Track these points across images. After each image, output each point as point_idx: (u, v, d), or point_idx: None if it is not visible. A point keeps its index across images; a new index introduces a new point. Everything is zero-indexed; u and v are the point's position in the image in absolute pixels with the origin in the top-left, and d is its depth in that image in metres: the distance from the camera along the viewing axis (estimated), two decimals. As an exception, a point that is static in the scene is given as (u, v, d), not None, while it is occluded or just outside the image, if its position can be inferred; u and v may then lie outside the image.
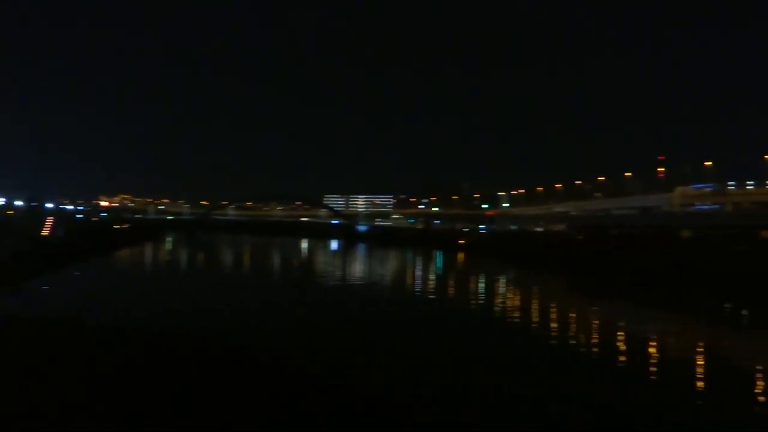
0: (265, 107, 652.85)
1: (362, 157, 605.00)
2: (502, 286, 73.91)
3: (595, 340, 39.42)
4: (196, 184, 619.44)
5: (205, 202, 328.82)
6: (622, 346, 37.69)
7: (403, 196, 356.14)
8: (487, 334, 40.57)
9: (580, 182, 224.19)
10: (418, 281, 77.71)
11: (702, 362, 33.80)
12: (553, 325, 44.26)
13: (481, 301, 59.20)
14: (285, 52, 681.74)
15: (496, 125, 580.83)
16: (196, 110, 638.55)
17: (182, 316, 42.17)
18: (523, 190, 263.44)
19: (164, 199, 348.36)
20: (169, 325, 36.26)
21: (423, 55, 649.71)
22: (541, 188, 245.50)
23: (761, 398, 26.67)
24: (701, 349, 37.49)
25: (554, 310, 52.40)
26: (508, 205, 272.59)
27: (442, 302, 57.20)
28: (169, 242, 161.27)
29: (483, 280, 79.91)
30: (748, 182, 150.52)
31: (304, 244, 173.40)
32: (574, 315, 49.70)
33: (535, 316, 48.96)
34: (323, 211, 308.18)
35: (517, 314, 50.08)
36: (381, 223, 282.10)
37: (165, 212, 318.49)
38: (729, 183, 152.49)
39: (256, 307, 48.80)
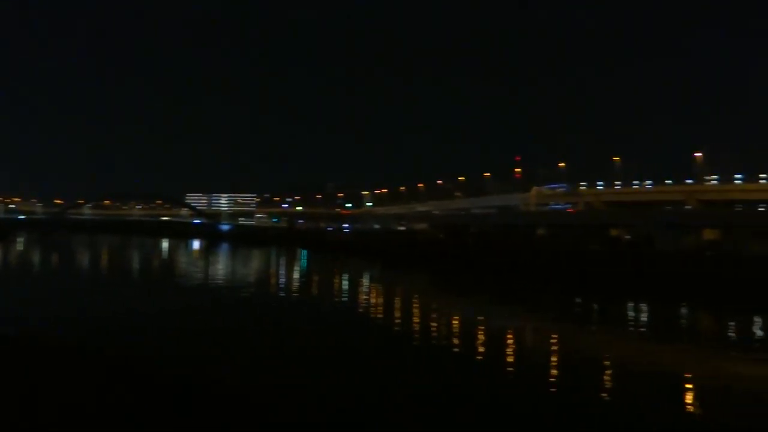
0: (122, 99, 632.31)
1: (225, 156, 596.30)
2: (364, 284, 74.37)
3: (454, 336, 40.17)
4: (50, 182, 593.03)
5: (59, 201, 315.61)
6: (479, 341, 38.56)
7: (267, 195, 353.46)
8: (345, 330, 40.66)
9: (441, 182, 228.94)
10: (282, 280, 77.19)
11: (554, 356, 34.96)
12: (413, 320, 44.88)
13: (344, 299, 59.44)
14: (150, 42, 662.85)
15: (361, 125, 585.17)
16: (50, 102, 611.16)
17: (28, 321, 40.16)
18: (386, 190, 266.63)
19: (15, 197, 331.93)
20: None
21: (316, 55, 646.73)
22: (404, 188, 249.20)
23: (608, 386, 27.86)
24: (554, 342, 38.76)
25: (415, 306, 53.20)
26: (371, 204, 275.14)
27: (302, 302, 56.91)
28: (20, 243, 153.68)
29: (346, 279, 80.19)
30: (598, 182, 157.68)
31: (165, 245, 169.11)
32: (432, 311, 50.54)
33: (394, 313, 49.51)
34: (185, 211, 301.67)
35: (375, 311, 50.56)
36: (244, 223, 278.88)
37: (16, 211, 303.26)
38: (581, 183, 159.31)
39: (98, 311, 46.81)
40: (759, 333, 47.85)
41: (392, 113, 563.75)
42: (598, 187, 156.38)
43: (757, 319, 52.91)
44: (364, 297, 60.68)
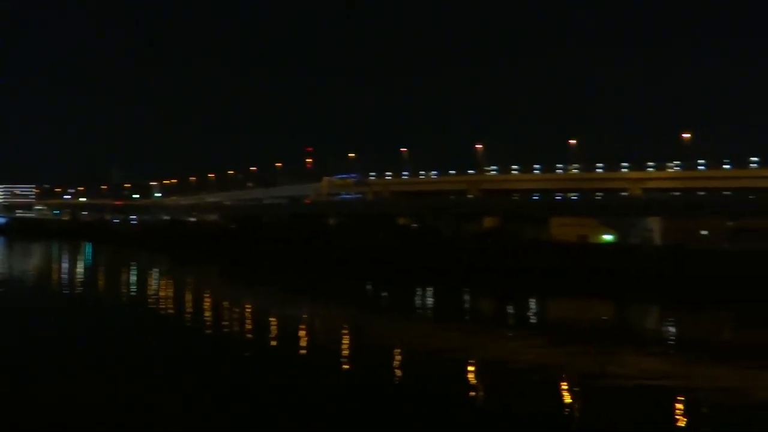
0: None
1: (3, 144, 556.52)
2: (153, 278, 72.40)
3: (246, 326, 40.13)
4: None
5: None
6: (270, 331, 38.75)
7: (48, 185, 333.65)
8: (129, 327, 39.57)
9: (233, 172, 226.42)
10: (64, 276, 73.46)
11: (344, 342, 35.81)
12: (203, 313, 44.33)
13: (132, 294, 57.67)
14: None
15: (150, 114, 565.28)
16: None
17: None
18: (175, 180, 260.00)
19: None
20: None
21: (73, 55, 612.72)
22: (194, 178, 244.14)
23: (398, 368, 29.00)
24: (345, 329, 39.61)
25: (205, 299, 52.56)
26: (160, 195, 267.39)
27: (84, 298, 54.41)
28: None
29: (134, 273, 77.73)
30: (387, 173, 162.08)
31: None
32: (223, 303, 50.14)
33: (183, 307, 48.58)
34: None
35: (165, 305, 49.35)
36: (23, 215, 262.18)
37: None
38: (371, 173, 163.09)
39: None
40: (534, 314, 51.57)
41: (180, 103, 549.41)
42: (387, 178, 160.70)
43: (532, 301, 56.95)
44: (153, 291, 59.03)
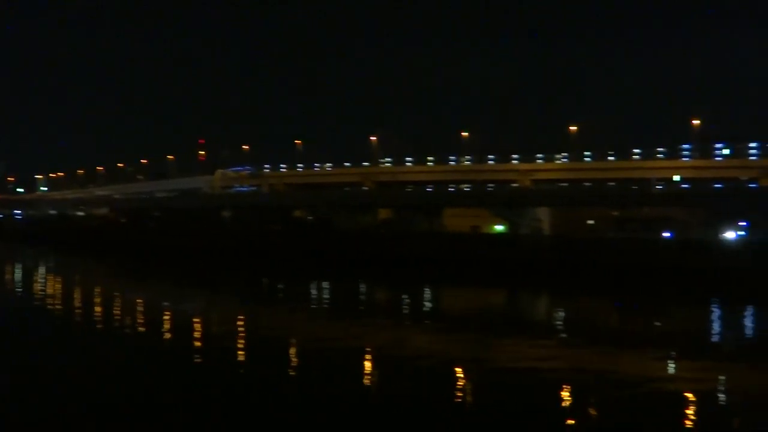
0: None
1: None
2: (39, 274, 70.09)
3: (138, 321, 39.44)
4: None
5: None
6: (163, 326, 38.23)
7: None
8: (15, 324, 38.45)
9: (123, 165, 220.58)
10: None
11: (239, 336, 35.70)
12: (92, 309, 43.41)
13: (18, 291, 55.82)
14: None
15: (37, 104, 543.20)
16: None
17: None
18: (63, 173, 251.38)
19: None
20: None
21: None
22: (82, 171, 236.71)
23: (293, 362, 29.15)
24: (240, 322, 39.44)
25: (94, 295, 51.41)
26: (46, 189, 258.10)
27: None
28: None
29: (19, 270, 75.11)
30: (281, 165, 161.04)
31: None
32: (112, 299, 49.16)
33: (71, 303, 47.46)
34: None
35: (52, 302, 47.93)
36: None
37: None
38: (265, 166, 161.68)
39: None
40: (427, 304, 52.50)
41: (63, 91, 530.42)
42: (281, 170, 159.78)
43: (426, 291, 57.94)
44: (40, 288, 57.16)
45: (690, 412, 21.78)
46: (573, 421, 20.43)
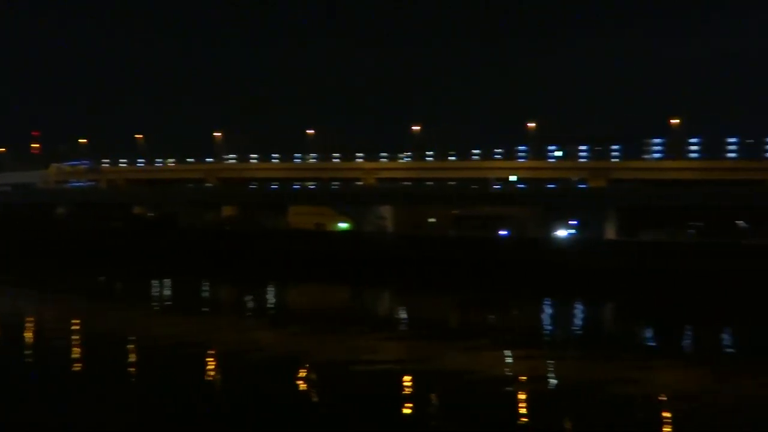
0: None
1: None
2: None
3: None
4: None
5: None
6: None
7: None
8: None
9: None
10: None
11: (75, 335, 34.55)
12: None
13: None
14: None
15: None
16: None
17: None
18: None
19: None
20: None
21: None
22: None
23: (133, 361, 28.51)
24: (75, 322, 38.06)
25: None
26: None
27: None
28: None
29: None
30: (121, 160, 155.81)
31: None
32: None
33: None
34: None
35: None
36: None
37: None
38: (103, 161, 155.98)
39: None
40: (270, 301, 52.51)
41: None
42: (121, 165, 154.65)
43: (271, 289, 57.89)
44: None
45: (522, 397, 22.88)
46: (409, 411, 21.07)
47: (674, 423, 20.37)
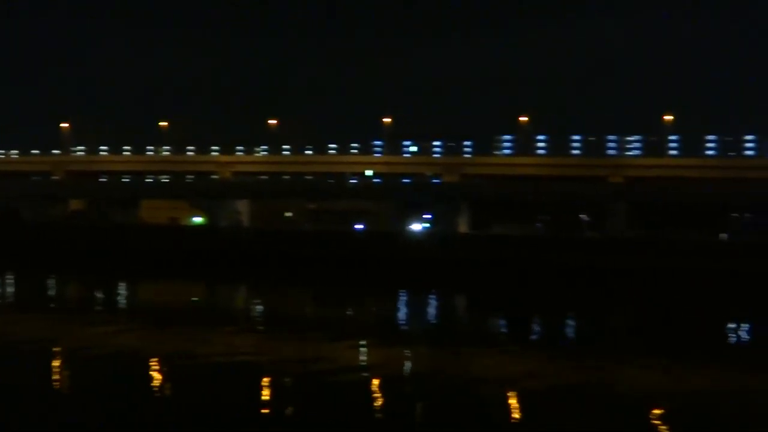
0: None
1: None
2: None
3: None
4: None
5: None
6: None
7: None
8: None
9: None
10: None
11: None
12: None
13: None
14: None
15: None
16: None
17: None
18: None
19: None
20: None
21: None
22: None
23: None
24: None
25: None
26: None
27: None
28: None
29: None
30: None
31: None
32: None
33: None
34: None
35: None
36: None
37: None
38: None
39: None
40: (122, 298, 51.02)
41: None
42: None
43: (121, 285, 56.26)
44: None
45: (377, 395, 23.28)
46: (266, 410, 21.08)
47: (493, 405, 21.22)
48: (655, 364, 28.71)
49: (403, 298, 53.50)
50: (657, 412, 20.47)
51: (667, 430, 18.90)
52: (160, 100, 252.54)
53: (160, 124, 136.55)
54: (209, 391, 22.60)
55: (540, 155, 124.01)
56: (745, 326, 43.07)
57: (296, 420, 19.66)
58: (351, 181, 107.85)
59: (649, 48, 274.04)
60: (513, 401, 21.96)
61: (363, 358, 29.88)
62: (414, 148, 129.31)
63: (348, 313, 44.36)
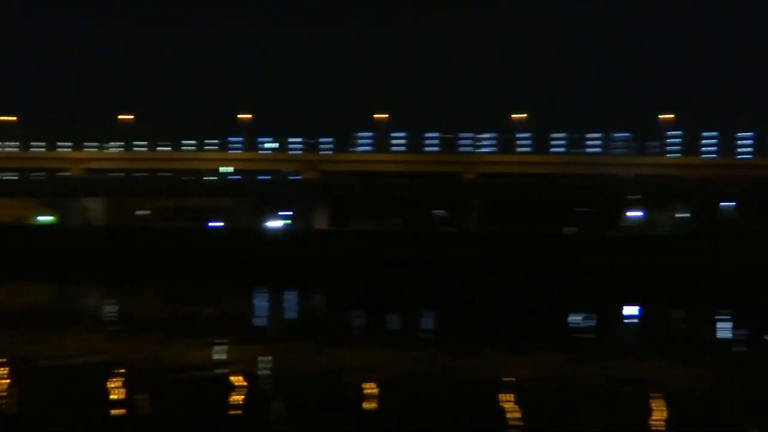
0: None
1: None
2: None
3: None
4: None
5: None
6: None
7: None
8: None
9: None
10: None
11: None
12: None
13: None
14: None
15: None
16: None
17: None
18: None
19: None
20: None
21: None
22: None
23: None
24: None
25: None
26: None
27: None
28: None
29: None
30: None
31: None
32: None
33: None
34: None
35: None
36: None
37: None
38: None
39: None
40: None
41: None
42: None
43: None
44: None
45: (239, 396, 23.26)
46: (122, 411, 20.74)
47: (347, 396, 21.79)
48: (497, 354, 30.08)
49: (261, 295, 53.36)
50: (496, 395, 21.56)
51: (500, 411, 19.97)
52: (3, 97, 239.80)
53: (4, 118, 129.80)
54: (44, 394, 21.96)
55: (397, 152, 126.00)
56: (585, 316, 45.34)
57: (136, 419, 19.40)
58: (208, 178, 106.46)
59: (497, 46, 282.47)
60: (369, 391, 22.50)
61: (217, 356, 29.72)
62: (273, 145, 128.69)
63: (203, 311, 43.85)
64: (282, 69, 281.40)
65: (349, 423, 19.06)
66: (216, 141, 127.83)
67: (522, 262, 64.78)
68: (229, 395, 21.93)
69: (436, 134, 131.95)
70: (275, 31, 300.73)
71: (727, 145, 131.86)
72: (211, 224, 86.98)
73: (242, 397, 22.07)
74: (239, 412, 20.52)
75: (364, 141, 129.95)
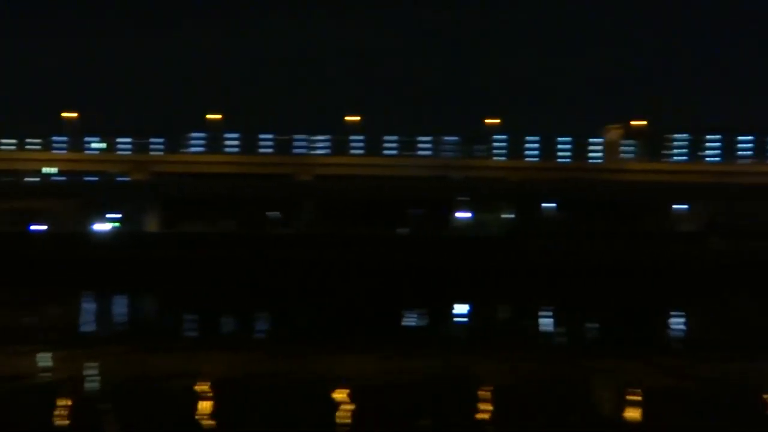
0: None
1: None
2: None
3: None
4: None
5: None
6: None
7: None
8: None
9: None
10: None
11: None
12: None
13: None
14: None
15: None
16: None
17: None
18: None
19: None
20: None
21: None
22: None
23: None
24: None
25: None
26: None
27: None
28: None
29: None
30: None
31: None
32: None
33: None
34: None
35: None
36: None
37: None
38: None
39: None
40: None
41: None
42: None
43: None
44: None
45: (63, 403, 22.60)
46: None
47: (180, 399, 21.63)
48: (331, 353, 30.63)
49: (87, 300, 51.62)
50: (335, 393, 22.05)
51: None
52: None
53: None
54: None
55: (230, 153, 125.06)
56: (417, 314, 46.82)
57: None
58: (29, 179, 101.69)
59: (333, 47, 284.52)
60: (202, 391, 22.48)
61: (38, 363, 28.61)
62: (100, 145, 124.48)
63: (23, 318, 41.87)
64: (111, 68, 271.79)
65: (175, 427, 19.04)
66: (38, 140, 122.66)
67: (356, 262, 65.93)
68: (51, 403, 21.37)
69: (270, 136, 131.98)
70: (111, 30, 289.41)
71: (548, 149, 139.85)
72: (33, 228, 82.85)
73: (66, 403, 21.55)
74: (66, 422, 20.06)
75: (196, 142, 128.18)
